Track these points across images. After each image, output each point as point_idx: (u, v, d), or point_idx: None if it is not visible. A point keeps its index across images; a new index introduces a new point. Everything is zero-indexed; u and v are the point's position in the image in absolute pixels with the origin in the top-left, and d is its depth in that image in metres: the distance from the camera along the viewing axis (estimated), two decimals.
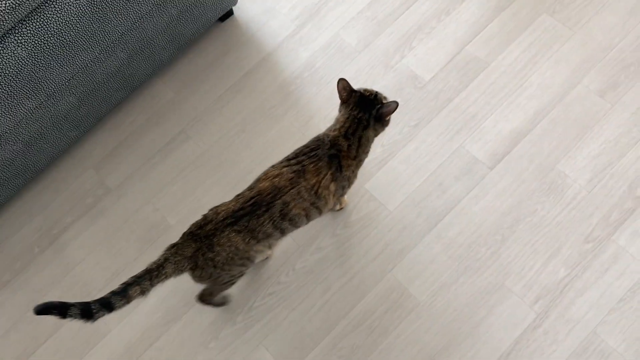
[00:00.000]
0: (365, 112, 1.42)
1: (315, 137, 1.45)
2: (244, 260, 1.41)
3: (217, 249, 1.33)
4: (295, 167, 1.37)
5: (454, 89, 1.91)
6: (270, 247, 1.48)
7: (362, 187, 1.82)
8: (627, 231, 1.68)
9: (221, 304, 1.68)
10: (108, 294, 1.25)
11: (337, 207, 1.77)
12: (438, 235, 1.74)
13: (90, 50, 1.63)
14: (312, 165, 1.38)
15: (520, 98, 1.87)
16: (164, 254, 1.33)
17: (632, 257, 1.65)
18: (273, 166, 1.41)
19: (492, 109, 1.87)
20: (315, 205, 1.41)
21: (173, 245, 1.35)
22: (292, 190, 1.35)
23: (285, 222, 1.39)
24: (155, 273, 1.30)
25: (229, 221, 1.33)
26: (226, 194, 1.87)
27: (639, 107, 1.80)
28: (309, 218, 1.44)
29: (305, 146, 1.42)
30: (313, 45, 2.05)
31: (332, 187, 1.42)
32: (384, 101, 1.44)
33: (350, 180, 1.49)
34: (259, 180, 1.39)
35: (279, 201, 1.35)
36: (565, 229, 1.70)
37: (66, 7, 1.49)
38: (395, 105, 1.40)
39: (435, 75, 1.94)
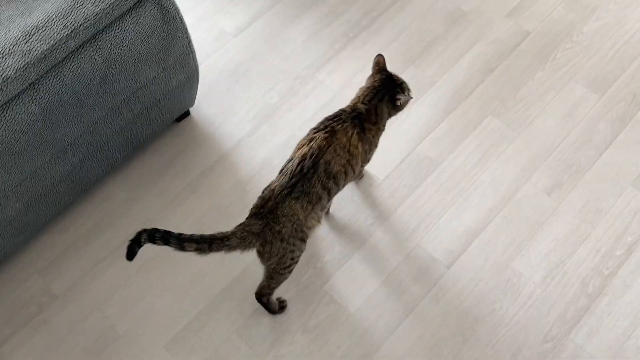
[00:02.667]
0: (385, 88, 1.59)
1: (339, 110, 1.60)
2: (303, 234, 1.51)
3: (283, 219, 1.44)
4: (325, 131, 1.51)
5: (408, 187, 1.95)
6: (319, 220, 1.58)
7: (321, 289, 1.79)
8: (584, 329, 1.70)
9: (278, 310, 1.75)
10: (175, 232, 1.37)
11: (359, 176, 1.91)
12: (400, 339, 1.71)
13: (40, 157, 1.59)
14: (339, 126, 1.51)
15: (472, 196, 1.92)
16: (233, 229, 1.42)
17: (590, 356, 1.66)
18: (304, 138, 1.54)
19: (446, 207, 1.91)
20: (350, 163, 1.53)
21: (240, 224, 1.44)
22: (329, 149, 1.48)
23: (330, 181, 1.50)
24: (218, 242, 1.39)
25: (285, 192, 1.44)
26: (179, 299, 1.80)
27: (584, 205, 1.88)
28: (347, 176, 1.55)
29: (328, 116, 1.57)
30: (270, 144, 2.07)
31: (360, 147, 1.55)
32: (407, 91, 1.63)
33: (372, 145, 1.62)
34: (295, 152, 1.51)
35: (321, 161, 1.47)
36: (524, 328, 1.71)
37: (16, 115, 1.47)
38: (409, 98, 1.58)
39: (389, 173, 1.99)
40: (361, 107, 1.58)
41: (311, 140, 1.50)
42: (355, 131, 1.54)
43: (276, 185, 1.47)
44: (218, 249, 1.40)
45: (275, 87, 2.20)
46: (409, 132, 2.05)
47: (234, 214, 1.94)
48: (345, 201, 1.94)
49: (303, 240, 1.53)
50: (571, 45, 2.19)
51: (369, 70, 2.05)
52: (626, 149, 1.96)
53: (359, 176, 1.93)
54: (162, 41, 1.68)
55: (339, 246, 1.86)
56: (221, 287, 1.82)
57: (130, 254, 1.40)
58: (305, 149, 1.49)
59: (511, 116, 2.06)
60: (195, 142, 2.10)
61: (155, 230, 1.39)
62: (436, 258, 1.82)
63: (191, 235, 1.39)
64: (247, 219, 1.47)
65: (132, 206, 1.98)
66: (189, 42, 1.78)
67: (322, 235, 1.88)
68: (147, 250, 1.82)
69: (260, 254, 1.51)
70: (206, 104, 2.18)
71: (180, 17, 1.69)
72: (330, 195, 1.55)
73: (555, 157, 1.97)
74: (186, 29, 1.74)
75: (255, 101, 2.17)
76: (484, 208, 1.90)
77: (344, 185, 1.60)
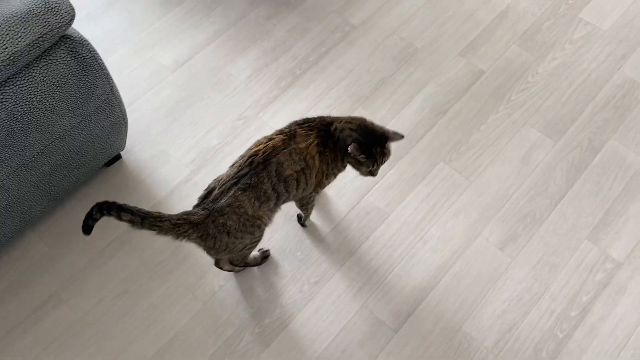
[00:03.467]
0: (366, 134, 1.47)
1: (319, 116, 1.53)
2: (254, 228, 1.45)
3: (227, 210, 1.36)
4: (286, 132, 1.45)
5: (355, 240, 1.83)
6: (270, 218, 1.50)
7: (259, 357, 1.65)
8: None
9: (261, 260, 1.76)
10: (116, 203, 1.31)
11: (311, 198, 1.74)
12: None
13: None
14: (302, 131, 1.45)
15: (421, 251, 1.80)
16: (172, 214, 1.36)
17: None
18: (264, 136, 1.47)
19: (394, 264, 1.79)
20: (304, 172, 1.46)
21: (184, 213, 1.38)
22: (284, 151, 1.41)
23: (281, 184, 1.43)
24: (151, 219, 1.33)
25: (232, 182, 1.38)
26: None
27: (538, 261, 1.78)
28: (299, 185, 1.48)
29: (298, 120, 1.50)
30: None
31: (317, 159, 1.47)
32: (369, 162, 1.50)
33: (329, 168, 1.52)
34: (250, 147, 1.45)
35: (274, 159, 1.40)
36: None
37: None
38: (358, 156, 1.46)
39: (336, 225, 1.86)
40: (336, 124, 1.49)
41: (270, 139, 1.44)
42: (316, 142, 1.46)
43: (223, 176, 1.42)
44: (150, 227, 1.34)
45: (216, 127, 2.05)
46: (357, 181, 1.93)
47: (164, 273, 1.78)
48: (288, 256, 1.80)
49: (255, 229, 1.47)
50: (526, 86, 2.11)
51: (315, 112, 1.93)
52: (581, 200, 1.88)
53: (311, 197, 1.72)
54: (79, 90, 1.51)
55: (279, 308, 1.72)
56: None
57: (86, 228, 1.37)
58: (260, 146, 1.43)
59: (463, 163, 1.95)
60: (125, 189, 1.93)
61: (101, 204, 1.33)
62: (383, 321, 1.70)
63: (126, 206, 1.32)
64: (188, 211, 1.41)
65: (54, 263, 1.80)
66: (112, 88, 1.62)
67: (260, 296, 1.74)
68: (67, 316, 1.64)
69: (204, 249, 1.45)
70: (140, 145, 2.01)
71: (99, 63, 1.53)
72: (278, 200, 1.47)
73: (509, 208, 1.87)
74: (107, 74, 1.58)
75: (193, 143, 2.02)
76: (433, 265, 1.78)
77: (295, 196, 1.54)
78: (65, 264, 1.80)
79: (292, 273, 1.78)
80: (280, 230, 1.84)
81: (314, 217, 1.86)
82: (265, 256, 1.77)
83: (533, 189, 1.90)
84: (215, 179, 1.45)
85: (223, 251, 1.45)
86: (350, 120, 1.51)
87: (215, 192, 1.39)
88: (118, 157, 1.97)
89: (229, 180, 1.40)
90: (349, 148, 1.44)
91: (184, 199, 1.90)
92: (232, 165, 1.45)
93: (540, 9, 2.28)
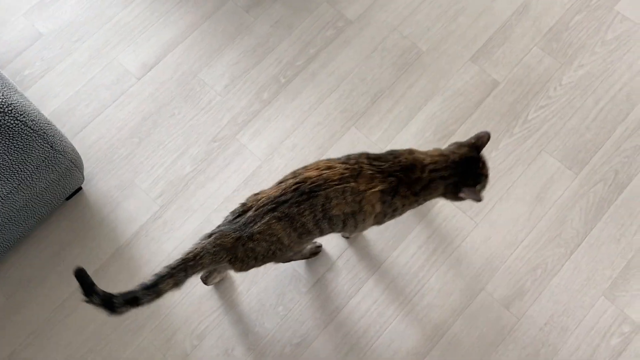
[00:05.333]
0: (461, 168, 1.30)
1: (391, 151, 1.32)
2: (289, 255, 1.33)
3: (258, 237, 1.22)
4: (350, 166, 1.25)
5: (343, 294, 1.64)
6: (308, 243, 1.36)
7: None
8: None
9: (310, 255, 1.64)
10: (137, 286, 1.14)
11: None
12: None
13: None
14: (369, 170, 1.25)
15: (418, 308, 1.62)
16: (201, 243, 1.22)
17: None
18: (328, 160, 1.28)
19: (387, 323, 1.61)
20: (354, 216, 1.28)
21: (209, 235, 1.23)
22: (337, 187, 1.23)
23: (325, 221, 1.26)
24: (192, 263, 1.19)
25: (269, 207, 1.22)
26: None
27: (547, 322, 1.59)
28: (345, 226, 1.31)
29: (371, 154, 1.30)
30: (179, 234, 1.71)
31: (378, 207, 1.29)
32: (480, 187, 1.34)
33: (395, 212, 1.34)
34: (306, 168, 1.27)
35: (322, 193, 1.22)
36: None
37: None
38: (478, 198, 1.29)
39: (322, 275, 1.66)
40: (416, 171, 1.28)
41: (328, 167, 1.25)
42: (382, 188, 1.26)
43: (263, 197, 1.24)
44: (194, 272, 1.20)
45: (188, 151, 1.80)
46: None
47: (132, 330, 1.62)
48: (268, 312, 1.62)
49: (283, 259, 1.34)
50: (547, 102, 1.81)
51: (302, 132, 1.74)
52: (600, 247, 1.65)
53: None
54: (9, 158, 1.27)
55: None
56: None
57: (77, 273, 1.16)
58: (314, 172, 1.25)
59: (469, 201, 1.71)
60: (87, 228, 1.72)
61: (113, 296, 1.15)
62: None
63: (159, 275, 1.17)
64: (221, 225, 1.25)
65: (12, 316, 1.64)
66: (52, 145, 1.37)
67: (239, 358, 1.58)
68: None
69: (233, 269, 1.30)
70: (102, 173, 1.78)
71: (29, 127, 1.27)
72: (322, 234, 1.32)
73: (518, 257, 1.66)
74: (44, 134, 1.32)
75: (162, 171, 1.78)
76: (430, 324, 1.60)
77: (340, 231, 1.36)
78: (24, 318, 1.64)
79: (273, 332, 1.61)
80: (260, 281, 1.65)
81: (298, 265, 1.66)
82: (316, 252, 1.65)
83: (546, 234, 1.68)
84: (255, 195, 1.27)
85: (245, 270, 1.31)
86: (435, 161, 1.30)
87: (250, 213, 1.23)
88: (79, 188, 1.75)
89: (267, 203, 1.23)
90: (463, 196, 1.32)
91: (152, 243, 1.70)
92: (279, 183, 1.27)
93: None
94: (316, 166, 1.27)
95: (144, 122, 1.83)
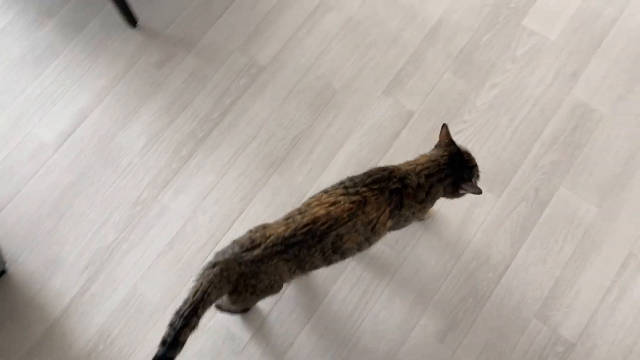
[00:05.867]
0: (451, 168, 1.34)
1: (381, 167, 1.34)
2: (278, 288, 1.32)
3: (262, 276, 1.23)
4: (354, 198, 1.26)
5: (277, 349, 1.62)
6: (307, 274, 1.40)
7: None
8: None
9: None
10: (161, 349, 1.16)
11: (425, 217, 1.68)
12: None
13: None
14: (373, 198, 1.27)
15: (353, 355, 1.60)
16: (207, 276, 1.21)
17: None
18: (326, 191, 1.30)
19: None
20: (368, 240, 1.31)
21: (214, 265, 1.23)
22: (348, 223, 1.25)
23: (337, 255, 1.29)
24: (202, 304, 1.18)
25: (278, 248, 1.22)
26: None
27: (482, 350, 1.59)
28: (359, 250, 1.34)
29: (367, 175, 1.31)
30: (108, 306, 1.69)
31: (389, 223, 1.33)
32: (475, 178, 1.38)
33: (408, 219, 1.38)
34: (310, 205, 1.27)
35: (333, 233, 1.24)
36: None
37: None
38: (478, 191, 1.33)
39: (256, 331, 1.64)
40: (413, 179, 1.32)
41: (334, 204, 1.25)
42: (389, 209, 1.29)
43: (272, 234, 1.23)
44: (205, 310, 1.20)
45: (110, 218, 1.78)
46: None
47: None
48: None
49: (276, 292, 1.34)
50: (463, 126, 1.82)
51: (224, 185, 1.75)
52: (528, 268, 1.66)
53: (423, 218, 1.69)
54: None
55: None
56: None
57: None
58: (321, 210, 1.25)
59: (394, 235, 1.71)
60: (15, 310, 1.69)
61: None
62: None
63: (174, 328, 1.17)
64: (225, 253, 1.24)
65: None
66: None
67: None
68: None
69: (226, 298, 1.30)
70: (27, 252, 1.75)
71: None
72: (329, 265, 1.34)
73: (448, 287, 1.65)
74: None
75: (87, 242, 1.76)
76: None
77: (353, 256, 1.38)
78: None
79: None
80: (194, 344, 1.63)
81: (235, 322, 1.65)
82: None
83: (474, 260, 1.68)
84: (263, 229, 1.26)
85: (241, 303, 1.32)
86: (428, 167, 1.34)
87: (258, 252, 1.22)
88: (2, 271, 1.72)
89: (276, 244, 1.23)
90: (463, 192, 1.37)
91: (82, 318, 1.67)
92: (287, 220, 1.26)
93: (477, 18, 1.94)
94: (319, 202, 1.27)
95: (64, 194, 1.81)
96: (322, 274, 1.68)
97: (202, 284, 1.21)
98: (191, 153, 1.84)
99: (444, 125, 1.40)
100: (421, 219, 1.67)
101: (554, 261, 1.66)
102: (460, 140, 1.80)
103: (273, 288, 1.30)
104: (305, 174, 1.80)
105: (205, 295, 1.20)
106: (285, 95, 1.89)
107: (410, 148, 1.80)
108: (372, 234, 1.30)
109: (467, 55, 1.90)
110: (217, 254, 1.28)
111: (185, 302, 1.20)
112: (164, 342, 1.17)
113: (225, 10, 2.00)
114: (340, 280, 1.67)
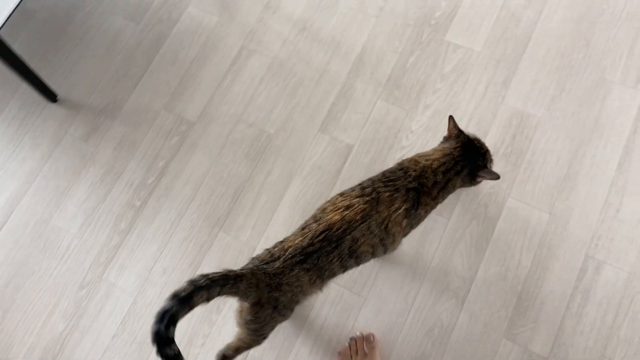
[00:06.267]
0: (466, 158, 1.35)
1: (398, 164, 1.34)
2: (296, 304, 1.27)
3: (285, 288, 1.20)
4: (368, 197, 1.25)
5: None
6: (321, 288, 1.31)
7: None
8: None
9: None
10: (170, 302, 1.00)
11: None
12: None
13: None
14: (387, 194, 1.26)
15: None
16: (247, 268, 1.16)
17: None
18: (342, 194, 1.28)
19: None
20: (382, 242, 1.29)
21: (252, 262, 1.21)
22: (362, 225, 1.23)
23: (352, 259, 1.26)
24: (231, 282, 1.10)
25: (298, 259, 1.20)
26: None
27: None
28: (374, 256, 1.31)
29: (384, 174, 1.31)
30: None
31: (405, 223, 1.30)
32: (489, 163, 1.40)
33: (420, 220, 1.37)
34: (325, 210, 1.26)
35: (348, 237, 1.22)
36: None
37: None
38: (496, 176, 1.35)
39: None
40: (430, 178, 1.31)
41: (348, 207, 1.24)
42: (405, 207, 1.28)
43: (290, 246, 1.22)
44: (228, 292, 1.11)
45: (57, 307, 1.69)
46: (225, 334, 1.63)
47: None
48: None
49: (292, 310, 1.28)
50: (401, 153, 1.79)
51: (169, 253, 1.71)
52: (490, 288, 1.63)
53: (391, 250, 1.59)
54: None
55: None
56: None
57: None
58: (337, 216, 1.23)
59: (351, 276, 1.66)
60: None
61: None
62: None
63: (196, 285, 1.04)
64: (253, 268, 1.19)
65: None
66: None
67: None
68: None
69: (246, 312, 1.21)
70: None
71: None
72: (346, 271, 1.30)
73: (413, 320, 1.61)
74: None
75: (35, 337, 1.67)
76: None
77: (372, 258, 1.35)
78: None
79: None
80: None
81: None
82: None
83: (434, 289, 1.64)
84: (280, 243, 1.24)
85: (260, 322, 1.24)
86: (444, 162, 1.34)
87: (278, 264, 1.20)
88: None
89: (295, 255, 1.20)
90: (480, 179, 1.39)
91: None
92: (303, 230, 1.24)
93: (400, 40, 1.92)
94: (334, 206, 1.26)
95: (5, 290, 1.72)
96: (283, 330, 1.62)
97: (243, 270, 1.15)
98: (131, 224, 1.77)
99: (450, 117, 1.41)
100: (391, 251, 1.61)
101: (514, 276, 1.63)
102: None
103: (292, 302, 1.25)
104: (251, 227, 1.74)
105: (237, 279, 1.11)
106: (219, 149, 1.84)
107: (355, 181, 1.76)
108: (385, 235, 1.28)
109: (396, 80, 1.88)
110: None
111: (215, 272, 1.10)
112: (175, 296, 1.02)
113: (145, 71, 1.95)
114: (304, 331, 1.62)
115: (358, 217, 1.23)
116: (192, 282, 1.04)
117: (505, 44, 1.89)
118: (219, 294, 1.09)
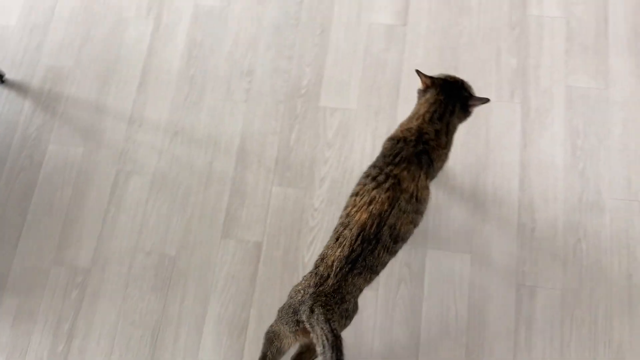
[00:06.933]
0: (451, 97, 1.39)
1: (389, 140, 1.38)
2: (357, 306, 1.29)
3: (348, 297, 1.23)
4: (387, 184, 1.27)
5: None
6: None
7: None
8: None
9: None
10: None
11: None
12: None
13: None
14: (404, 172, 1.29)
15: None
16: (317, 319, 1.16)
17: None
18: (356, 193, 1.30)
19: None
20: (419, 212, 1.31)
21: (311, 308, 1.18)
22: (393, 211, 1.25)
23: (398, 243, 1.29)
24: (337, 341, 1.12)
25: (346, 269, 1.22)
26: None
27: None
28: (416, 226, 1.33)
29: (384, 155, 1.34)
30: None
31: (428, 183, 1.35)
32: (471, 90, 1.43)
33: (439, 169, 1.43)
34: (350, 214, 1.27)
35: (385, 228, 1.24)
36: None
37: None
38: (486, 100, 1.39)
39: None
40: (429, 129, 1.36)
41: (371, 202, 1.25)
42: (423, 172, 1.32)
43: (334, 260, 1.23)
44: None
45: None
46: None
47: None
48: None
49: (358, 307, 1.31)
50: (312, 235, 1.73)
51: None
52: (437, 349, 1.59)
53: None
54: None
55: None
56: None
57: None
58: (364, 215, 1.24)
59: None
60: None
61: None
62: None
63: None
64: (312, 297, 1.19)
65: None
66: None
67: None
68: None
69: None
70: None
71: None
72: (397, 254, 1.32)
73: None
74: None
75: None
76: None
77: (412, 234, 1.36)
78: None
79: None
80: None
81: None
82: None
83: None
84: (321, 262, 1.25)
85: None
86: (427, 110, 1.39)
87: (331, 281, 1.21)
88: None
89: (342, 267, 1.22)
90: (472, 106, 1.43)
91: None
92: (337, 240, 1.25)
93: (276, 120, 1.86)
94: (356, 207, 1.26)
95: None
96: None
97: (332, 327, 1.14)
98: None
99: (418, 71, 1.43)
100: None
101: (457, 329, 1.60)
102: (315, 248, 1.71)
103: (356, 305, 1.28)
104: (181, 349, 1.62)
105: (335, 332, 1.13)
106: (123, 290, 1.71)
107: (275, 280, 1.68)
108: (419, 204, 1.30)
109: (284, 161, 1.81)
110: (296, 310, 1.21)
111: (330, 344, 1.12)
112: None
113: (21, 230, 1.79)
114: None
115: (386, 206, 1.25)
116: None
117: (378, 93, 1.87)
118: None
